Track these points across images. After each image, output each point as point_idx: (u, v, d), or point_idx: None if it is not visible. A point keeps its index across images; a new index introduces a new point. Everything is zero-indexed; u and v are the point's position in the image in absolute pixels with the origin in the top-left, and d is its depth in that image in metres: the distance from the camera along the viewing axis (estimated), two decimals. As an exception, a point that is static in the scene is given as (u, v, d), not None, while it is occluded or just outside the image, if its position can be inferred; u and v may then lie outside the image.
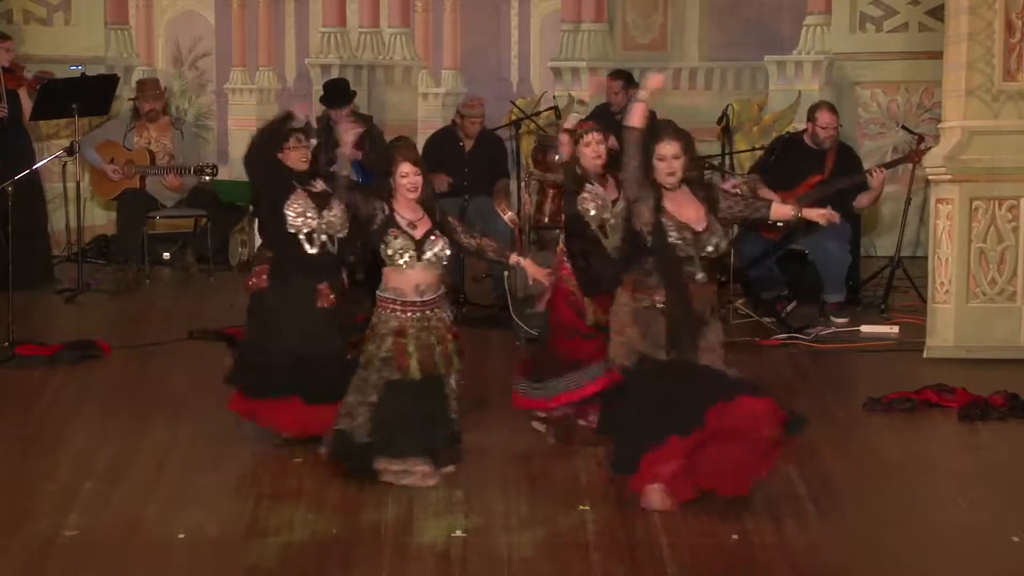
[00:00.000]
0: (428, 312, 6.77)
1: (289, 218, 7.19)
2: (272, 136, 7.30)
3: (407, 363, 6.70)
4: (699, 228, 6.38)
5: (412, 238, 6.71)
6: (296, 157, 7.29)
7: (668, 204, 6.38)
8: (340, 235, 7.25)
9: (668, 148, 6.38)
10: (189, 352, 9.15)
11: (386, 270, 6.78)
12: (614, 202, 7.27)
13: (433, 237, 6.74)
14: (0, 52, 11.14)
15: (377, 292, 6.82)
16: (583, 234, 7.33)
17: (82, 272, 10.91)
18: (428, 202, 6.81)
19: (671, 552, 5.93)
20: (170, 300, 10.99)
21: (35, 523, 6.23)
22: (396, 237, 6.69)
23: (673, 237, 6.33)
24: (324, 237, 7.23)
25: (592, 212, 7.29)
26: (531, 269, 6.99)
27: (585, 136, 7.30)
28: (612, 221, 7.23)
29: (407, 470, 6.66)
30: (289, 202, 7.21)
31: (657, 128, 6.54)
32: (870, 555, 5.96)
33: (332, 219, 7.22)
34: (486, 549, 5.98)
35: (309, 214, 7.20)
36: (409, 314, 6.74)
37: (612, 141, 7.40)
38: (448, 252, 6.79)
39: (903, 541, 6.12)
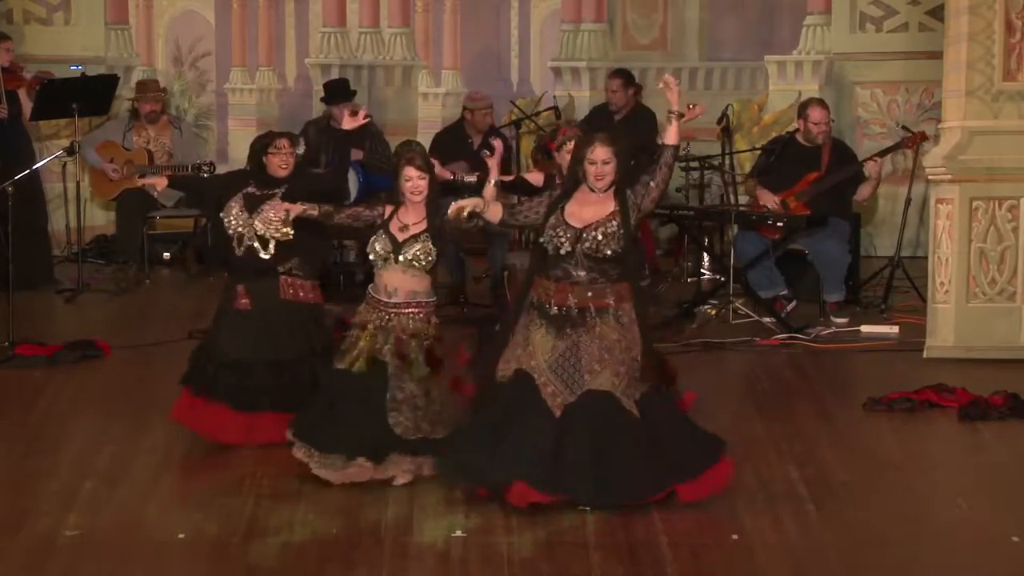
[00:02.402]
0: (391, 314, 6.77)
1: (224, 220, 7.37)
2: (261, 139, 7.51)
3: (354, 355, 6.77)
4: (578, 225, 6.45)
5: (395, 240, 6.74)
6: (275, 163, 7.39)
7: (572, 206, 6.49)
8: (278, 237, 7.32)
9: (597, 153, 6.43)
10: (189, 352, 9.13)
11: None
12: None
13: (415, 240, 6.74)
14: (0, 52, 11.15)
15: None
16: None
17: (82, 272, 10.92)
18: (432, 205, 6.82)
19: (671, 552, 5.92)
20: (170, 300, 10.98)
21: (35, 523, 6.22)
22: (377, 240, 6.77)
23: (554, 234, 6.44)
24: (252, 242, 7.32)
25: None
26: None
27: (568, 144, 7.30)
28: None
29: (322, 464, 6.72)
30: (228, 205, 7.38)
31: (592, 134, 6.66)
32: (870, 555, 5.96)
33: (260, 223, 7.30)
34: (486, 549, 5.98)
35: (238, 217, 7.34)
36: (375, 312, 6.80)
37: None
38: (426, 256, 6.74)
39: (903, 541, 6.12)
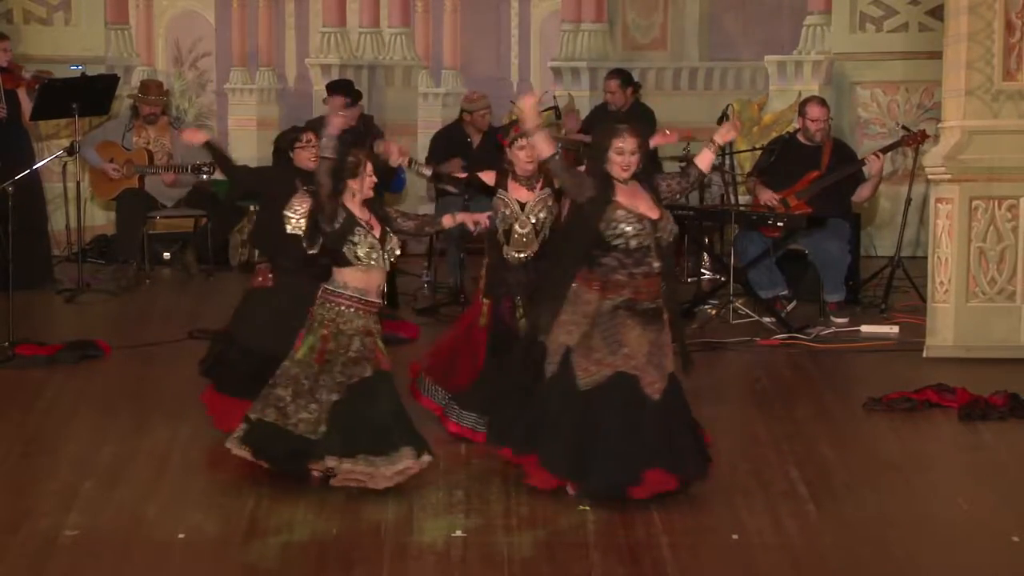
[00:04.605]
0: (378, 314, 6.74)
1: (292, 219, 7.21)
2: (287, 135, 7.57)
3: (381, 359, 6.67)
4: (654, 216, 6.46)
5: (375, 238, 6.63)
6: (305, 157, 7.41)
7: (621, 197, 6.44)
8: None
9: (626, 144, 6.42)
10: (189, 352, 9.13)
11: (346, 269, 6.60)
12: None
13: (389, 236, 6.69)
14: (-3, 52, 11.16)
15: (330, 288, 6.63)
16: (492, 238, 7.38)
17: (82, 272, 10.92)
18: (373, 201, 6.72)
19: (671, 552, 5.93)
20: (170, 300, 10.99)
21: (35, 523, 6.22)
22: (365, 236, 6.58)
23: (633, 228, 6.38)
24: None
25: (502, 213, 7.31)
26: (468, 218, 7.11)
27: (519, 141, 7.28)
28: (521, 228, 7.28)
29: (357, 469, 6.57)
30: (291, 203, 7.25)
31: (616, 125, 6.62)
32: (870, 555, 5.96)
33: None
34: (486, 549, 5.99)
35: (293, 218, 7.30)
36: (371, 314, 6.68)
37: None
38: (398, 251, 6.74)
39: (903, 541, 6.12)
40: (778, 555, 5.94)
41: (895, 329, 9.63)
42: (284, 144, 7.60)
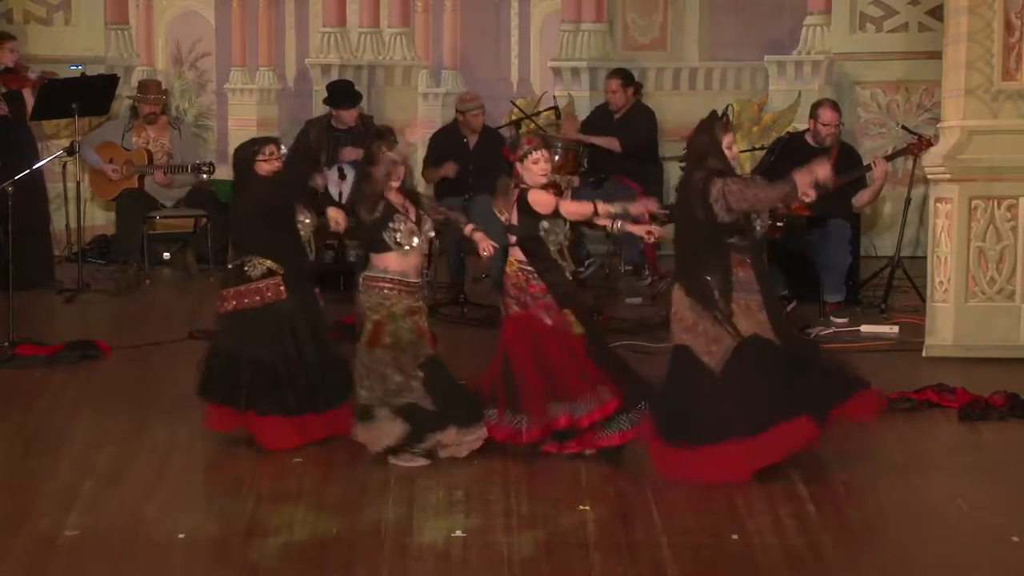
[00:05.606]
0: (420, 294, 7.00)
1: (301, 229, 7.35)
2: (246, 147, 7.46)
3: (430, 339, 6.98)
4: None
5: (412, 221, 6.90)
6: (267, 169, 7.33)
7: None
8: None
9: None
10: (189, 352, 9.12)
11: (384, 255, 6.86)
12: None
13: (424, 218, 6.96)
14: (4, 53, 11.16)
15: (370, 275, 6.88)
16: (547, 254, 7.12)
17: (82, 272, 10.92)
18: (406, 186, 7.00)
19: (671, 552, 5.93)
20: (170, 300, 10.99)
21: (35, 523, 6.23)
22: (404, 223, 6.86)
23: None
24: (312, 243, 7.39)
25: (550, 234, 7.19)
26: (482, 241, 7.18)
27: (533, 154, 7.21)
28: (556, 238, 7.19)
29: (472, 438, 6.91)
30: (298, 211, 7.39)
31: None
32: (870, 555, 5.96)
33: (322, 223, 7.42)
34: (486, 549, 5.99)
35: (307, 221, 7.38)
36: (413, 293, 6.93)
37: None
38: (433, 232, 7.09)
39: (903, 541, 6.12)
40: (778, 555, 5.95)
41: (895, 329, 9.63)
42: (245, 155, 7.42)
